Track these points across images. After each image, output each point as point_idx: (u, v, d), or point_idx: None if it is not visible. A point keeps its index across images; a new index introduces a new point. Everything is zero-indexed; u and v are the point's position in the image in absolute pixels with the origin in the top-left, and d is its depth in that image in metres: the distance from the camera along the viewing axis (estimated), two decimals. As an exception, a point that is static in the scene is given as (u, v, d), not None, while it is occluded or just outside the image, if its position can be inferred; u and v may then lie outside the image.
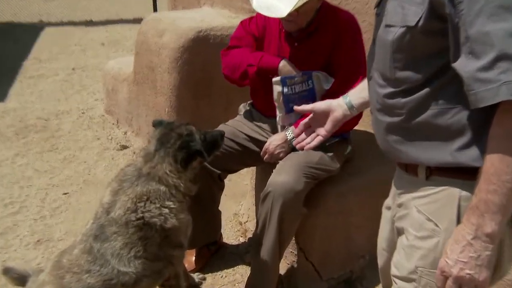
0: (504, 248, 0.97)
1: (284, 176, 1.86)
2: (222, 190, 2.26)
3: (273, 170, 1.94)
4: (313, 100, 1.96)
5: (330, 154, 2.00)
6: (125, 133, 3.91)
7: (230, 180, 3.19)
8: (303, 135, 1.46)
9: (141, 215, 1.60)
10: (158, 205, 1.62)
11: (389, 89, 1.04)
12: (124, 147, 3.73)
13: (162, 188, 1.63)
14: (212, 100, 3.30)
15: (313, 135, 1.45)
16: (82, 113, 4.31)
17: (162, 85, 3.23)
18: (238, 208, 2.88)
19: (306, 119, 1.47)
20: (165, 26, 3.21)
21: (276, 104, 1.99)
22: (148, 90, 3.44)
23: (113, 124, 4.08)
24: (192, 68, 3.14)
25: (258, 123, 2.16)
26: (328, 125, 1.41)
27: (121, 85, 3.83)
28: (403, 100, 1.02)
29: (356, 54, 1.92)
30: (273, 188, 1.85)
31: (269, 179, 1.90)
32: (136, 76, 3.56)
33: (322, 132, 1.43)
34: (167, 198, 1.64)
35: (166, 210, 1.63)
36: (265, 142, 2.04)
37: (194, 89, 3.22)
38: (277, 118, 2.02)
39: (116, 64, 3.96)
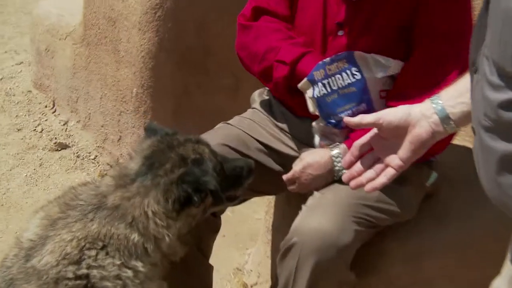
0: None
1: (320, 219, 1.85)
2: (217, 232, 2.30)
3: (303, 206, 1.96)
4: (367, 102, 1.94)
5: (401, 185, 1.97)
6: (65, 123, 3.93)
7: (233, 212, 3.19)
8: (359, 166, 1.48)
9: (86, 271, 1.60)
10: (118, 262, 1.63)
11: (509, 94, 1.02)
12: (63, 147, 3.75)
13: (134, 236, 1.65)
14: (210, 80, 3.30)
15: (379, 166, 1.45)
16: (-6, 85, 4.35)
17: (129, 50, 3.23)
18: (243, 261, 2.89)
19: (365, 138, 1.47)
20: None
21: (313, 114, 1.99)
22: (105, 56, 3.44)
23: (45, 107, 4.10)
24: (179, 27, 3.14)
25: (282, 125, 2.17)
26: (405, 149, 1.41)
27: (62, 45, 3.83)
28: None
29: (455, 23, 1.90)
30: (301, 238, 1.83)
31: (294, 222, 1.93)
32: (87, 32, 3.56)
33: (394, 161, 1.43)
34: (137, 254, 1.65)
35: (129, 273, 1.64)
36: (293, 157, 2.05)
37: (182, 61, 3.20)
38: (315, 125, 2.01)
39: (54, 9, 3.96)
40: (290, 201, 2.32)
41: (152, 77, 3.20)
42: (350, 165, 1.48)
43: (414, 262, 2.09)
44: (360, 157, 1.47)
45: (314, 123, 2.02)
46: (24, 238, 1.68)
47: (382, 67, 1.94)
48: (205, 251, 2.26)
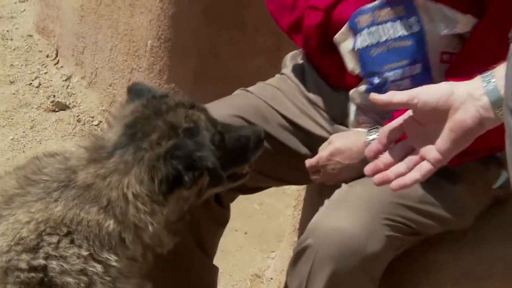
0: None
1: (343, 217, 1.88)
2: (224, 225, 2.34)
3: (326, 201, 1.98)
4: (423, 63, 1.94)
5: (455, 184, 1.98)
6: (68, 78, 4.07)
7: (261, 205, 3.26)
8: (387, 156, 1.48)
9: (43, 262, 1.63)
10: (85, 253, 1.66)
11: None
12: (61, 107, 3.89)
13: (109, 224, 1.69)
14: (245, 37, 3.37)
15: (412, 158, 1.45)
16: (-11, 25, 4.50)
17: (146, -9, 3.33)
18: (265, 266, 2.96)
19: (396, 122, 1.48)
20: None
21: (352, 74, 2.00)
22: (118, -2, 3.57)
23: (47, 56, 4.25)
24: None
25: (314, 97, 2.19)
26: (445, 139, 1.42)
27: (70, -20, 3.97)
28: None
29: None
30: (317, 239, 1.88)
31: (312, 219, 1.94)
32: (99, -34, 3.69)
33: (431, 153, 1.43)
34: (110, 245, 1.69)
35: (98, 268, 1.68)
36: (323, 138, 2.08)
37: (210, 10, 3.27)
38: (352, 94, 2.02)
39: None
40: (324, 193, 2.34)
41: (171, 28, 3.29)
42: (376, 155, 1.49)
43: (468, 284, 2.11)
44: (387, 146, 1.48)
45: (351, 91, 2.04)
46: None
47: (448, 22, 1.92)
48: (208, 248, 2.31)
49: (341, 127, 2.09)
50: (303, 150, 2.17)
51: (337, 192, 1.99)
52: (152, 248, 1.81)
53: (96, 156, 1.74)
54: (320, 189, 2.39)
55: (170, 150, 1.69)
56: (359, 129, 2.02)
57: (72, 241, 1.67)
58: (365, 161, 1.97)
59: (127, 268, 1.74)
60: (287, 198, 3.15)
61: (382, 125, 1.97)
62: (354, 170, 1.99)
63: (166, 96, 1.85)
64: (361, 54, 1.97)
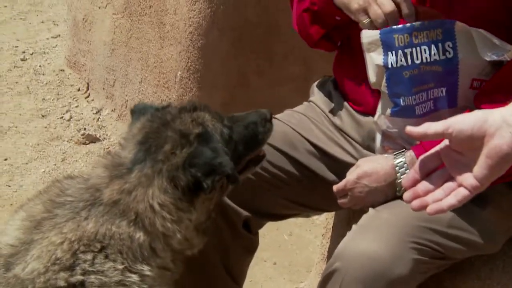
0: None
1: (371, 241, 1.89)
2: (253, 252, 2.36)
3: (353, 225, 1.99)
4: (450, 87, 1.96)
5: (485, 209, 2.00)
6: (98, 111, 4.16)
7: (290, 236, 3.27)
8: (426, 184, 1.50)
9: (81, 278, 1.68)
10: (120, 267, 1.71)
11: None
12: (92, 139, 3.97)
13: (139, 236, 1.74)
14: (273, 66, 3.42)
15: (449, 185, 1.47)
16: (23, 60, 4.60)
17: (175, 24, 3.40)
18: (294, 295, 2.99)
19: (433, 151, 1.50)
20: None
21: (374, 87, 2.02)
22: (149, 30, 3.64)
23: (78, 90, 4.35)
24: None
25: (341, 123, 2.22)
26: (481, 165, 1.43)
27: (101, 14, 4.07)
28: None
29: None
30: (345, 263, 1.88)
31: (340, 244, 1.95)
32: (130, 0, 3.77)
33: (468, 180, 1.45)
34: (143, 257, 1.74)
35: (135, 278, 1.72)
36: (350, 164, 2.09)
37: (239, 41, 3.34)
38: (376, 119, 2.04)
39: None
40: (352, 220, 2.35)
41: (200, 59, 3.35)
42: (413, 184, 1.50)
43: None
44: (427, 174, 1.49)
45: (375, 117, 2.06)
46: (2, 243, 1.74)
47: (496, 49, 1.93)
48: (236, 276, 2.33)
49: (368, 152, 2.12)
50: (330, 176, 2.19)
51: (364, 217, 2.00)
52: (181, 253, 1.84)
53: (117, 173, 1.78)
54: (349, 216, 2.40)
55: (188, 159, 1.74)
56: (386, 154, 2.05)
57: (106, 256, 1.70)
58: (392, 184, 2.00)
59: (159, 277, 1.77)
60: (316, 228, 3.17)
61: (408, 149, 2.00)
62: (381, 194, 2.01)
63: (168, 106, 1.89)
64: (392, 73, 1.97)
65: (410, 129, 1.49)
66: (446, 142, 1.48)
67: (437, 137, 1.47)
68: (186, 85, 3.43)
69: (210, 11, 3.29)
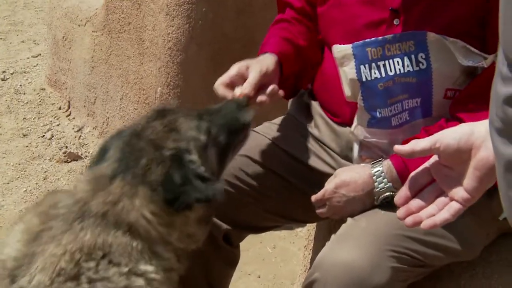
0: None
1: (349, 251, 1.91)
2: (234, 265, 2.37)
3: (332, 235, 2.02)
4: (424, 98, 2.00)
5: (461, 216, 2.01)
6: (80, 129, 4.18)
7: (274, 248, 3.30)
8: (418, 202, 1.52)
9: (87, 286, 1.69)
10: (125, 270, 1.73)
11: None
12: (74, 158, 3.99)
13: (137, 243, 1.76)
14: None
15: (442, 200, 1.50)
16: (3, 79, 4.62)
17: (154, 40, 3.44)
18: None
19: (423, 167, 1.53)
20: None
21: (349, 100, 2.05)
22: (128, 47, 3.68)
23: (59, 109, 4.38)
24: (216, 12, 3.32)
25: (319, 134, 2.25)
26: (470, 178, 1.46)
27: (80, 33, 4.11)
28: None
29: None
30: (324, 273, 1.91)
31: (319, 254, 1.97)
32: (109, 17, 3.81)
33: (459, 193, 1.47)
34: (145, 259, 1.76)
35: (141, 281, 1.74)
36: (329, 175, 2.11)
37: (218, 56, 3.37)
38: (353, 129, 2.08)
39: (76, -10, 4.26)
40: (333, 231, 2.37)
41: (180, 74, 3.38)
42: (405, 202, 1.52)
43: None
44: (418, 191, 1.51)
45: (352, 128, 2.09)
46: (5, 255, 1.76)
47: (472, 57, 1.96)
48: (216, 290, 2.35)
49: (346, 162, 2.14)
50: (309, 187, 2.19)
51: (342, 227, 2.02)
52: (186, 250, 1.86)
53: (99, 186, 1.79)
54: (330, 227, 2.42)
55: (162, 182, 1.75)
56: (363, 164, 2.07)
57: (110, 262, 1.72)
58: (370, 193, 2.03)
59: (166, 280, 1.79)
60: (300, 240, 3.18)
61: (385, 158, 2.03)
62: (360, 203, 2.03)
63: (145, 119, 1.89)
64: (367, 87, 2.01)
65: (397, 148, 1.53)
66: (435, 157, 1.50)
67: (425, 154, 1.50)
68: (167, 101, 3.45)
69: (188, 27, 3.32)
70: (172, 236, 1.79)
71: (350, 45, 2.02)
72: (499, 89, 1.14)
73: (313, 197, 2.08)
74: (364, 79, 2.01)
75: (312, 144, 2.26)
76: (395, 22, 2.04)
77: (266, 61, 2.12)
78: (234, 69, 2.09)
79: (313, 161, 2.23)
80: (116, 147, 1.85)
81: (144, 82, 3.55)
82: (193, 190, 1.75)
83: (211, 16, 3.34)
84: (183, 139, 1.82)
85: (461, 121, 1.90)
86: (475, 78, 2.00)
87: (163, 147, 1.79)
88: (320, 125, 2.25)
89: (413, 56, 1.99)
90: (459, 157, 1.44)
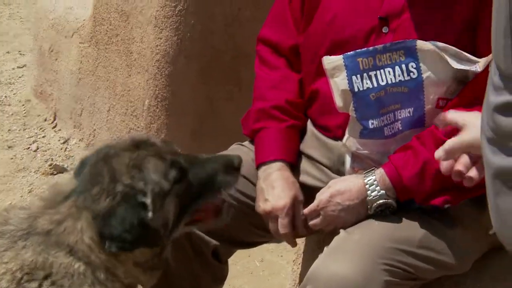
0: None
1: (342, 263, 1.92)
2: (221, 281, 2.36)
3: (325, 248, 2.03)
4: (416, 107, 2.01)
5: (452, 228, 2.05)
6: (66, 141, 4.17)
7: (262, 262, 3.30)
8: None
9: None
10: None
11: (506, 96, 1.12)
12: (60, 170, 3.97)
13: (79, 265, 1.74)
14: (242, 92, 3.44)
15: None
16: (-13, 91, 4.65)
17: (142, 52, 3.45)
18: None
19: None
20: None
21: (341, 111, 2.07)
22: (116, 59, 3.69)
23: (45, 120, 4.37)
24: (205, 25, 3.34)
25: (308, 149, 2.25)
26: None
27: (67, 44, 4.12)
28: None
29: None
30: (316, 286, 1.92)
31: (312, 266, 1.99)
32: (96, 28, 3.81)
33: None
34: (88, 284, 1.73)
35: None
36: (318, 188, 2.12)
37: (207, 67, 3.39)
38: (345, 141, 2.09)
39: (61, 0, 4.25)
40: (323, 245, 2.35)
41: (168, 87, 3.40)
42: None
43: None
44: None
45: (344, 140, 2.10)
46: None
47: (465, 61, 1.97)
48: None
49: (338, 176, 2.14)
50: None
51: (335, 239, 2.02)
52: (133, 285, 1.83)
53: (52, 203, 1.79)
54: (319, 240, 2.42)
55: (102, 214, 1.73)
56: (357, 175, 2.08)
57: (53, 283, 1.71)
58: (364, 202, 2.03)
59: None
60: (288, 254, 3.17)
61: (378, 168, 2.05)
62: (354, 212, 2.04)
63: (116, 145, 1.87)
64: (359, 97, 2.02)
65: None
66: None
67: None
68: (154, 113, 3.45)
69: (177, 39, 3.34)
70: (117, 270, 1.77)
71: (341, 56, 2.03)
72: (490, 98, 1.17)
73: (306, 210, 2.09)
74: (356, 90, 2.02)
75: (302, 159, 2.27)
76: (384, 30, 2.07)
77: (295, 187, 2.16)
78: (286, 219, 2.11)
79: (303, 177, 2.24)
80: (89, 165, 1.84)
81: (132, 94, 3.56)
82: (129, 234, 1.72)
83: (200, 28, 3.35)
84: (143, 180, 1.78)
85: None
86: (466, 85, 2.01)
87: (119, 181, 1.76)
88: (311, 140, 2.26)
89: (403, 66, 2.00)
90: None
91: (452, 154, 1.64)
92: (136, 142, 1.85)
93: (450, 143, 1.64)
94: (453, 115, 1.66)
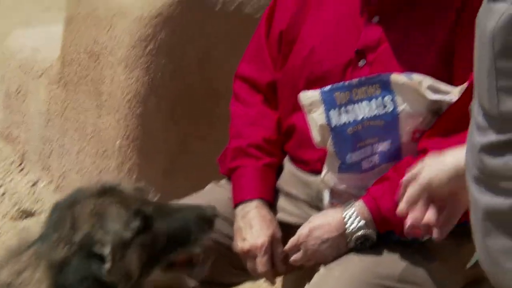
0: None
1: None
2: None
3: (306, 285, 2.06)
4: (393, 140, 2.04)
5: (431, 262, 2.05)
6: (34, 183, 4.11)
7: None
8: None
9: None
10: None
11: (491, 137, 1.13)
12: (28, 214, 3.92)
13: None
14: (216, 130, 3.42)
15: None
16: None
17: (113, 92, 3.43)
18: None
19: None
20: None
21: (319, 147, 2.08)
22: (85, 100, 3.65)
23: (11, 163, 4.29)
24: (176, 64, 3.34)
25: (286, 186, 2.26)
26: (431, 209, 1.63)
27: (35, 85, 4.07)
28: None
29: None
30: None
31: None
32: (65, 69, 3.78)
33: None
34: None
35: None
36: (297, 226, 2.13)
37: (179, 107, 3.39)
38: (323, 176, 2.10)
39: (29, 41, 4.22)
40: (302, 284, 2.38)
41: (139, 126, 3.38)
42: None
43: None
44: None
45: (322, 175, 2.11)
46: None
47: (442, 92, 2.01)
48: None
49: (317, 212, 2.15)
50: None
51: (316, 276, 2.04)
52: None
53: (16, 252, 1.75)
54: (297, 280, 2.41)
55: (58, 263, 1.70)
56: (336, 210, 2.09)
57: None
58: (343, 235, 2.04)
59: None
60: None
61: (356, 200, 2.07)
62: (334, 245, 2.04)
63: (83, 190, 1.84)
64: (336, 132, 2.04)
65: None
66: None
67: None
68: (126, 153, 3.43)
69: (148, 78, 3.33)
70: None
71: (318, 91, 2.05)
72: (475, 138, 1.18)
73: (287, 244, 2.10)
74: (333, 125, 2.04)
75: (279, 199, 2.27)
76: (361, 63, 2.10)
77: (273, 225, 2.17)
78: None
79: (280, 214, 2.25)
80: (56, 211, 1.82)
81: (103, 135, 3.53)
82: (82, 287, 1.69)
83: (171, 67, 3.35)
84: (103, 229, 1.74)
85: (425, 151, 1.95)
86: (441, 116, 2.04)
87: (78, 229, 1.73)
88: (287, 177, 2.27)
89: (379, 99, 2.03)
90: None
91: (414, 202, 1.63)
92: (104, 188, 1.80)
93: (408, 192, 1.64)
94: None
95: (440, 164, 1.59)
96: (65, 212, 1.76)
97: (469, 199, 1.25)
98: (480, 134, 1.15)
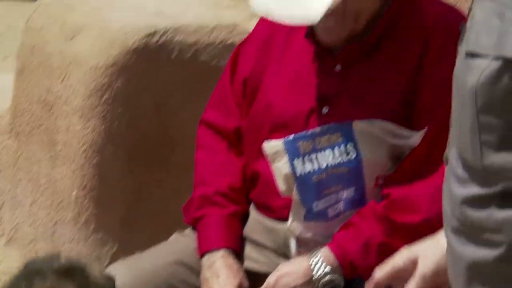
0: None
1: None
2: None
3: None
4: (358, 187, 2.08)
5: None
6: (-14, 238, 4.02)
7: None
8: None
9: None
10: None
11: (473, 189, 1.14)
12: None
13: None
14: (173, 177, 3.44)
15: None
16: None
17: (68, 142, 3.40)
18: None
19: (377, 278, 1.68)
20: (81, 19, 3.43)
21: (284, 195, 2.10)
22: (38, 150, 3.60)
23: (-39, 216, 4.21)
24: (133, 113, 3.34)
25: (253, 235, 2.27)
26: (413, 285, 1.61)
27: (-14, 136, 4.02)
28: (501, 214, 1.10)
29: None
30: None
31: None
32: (16, 120, 3.73)
33: None
34: None
35: None
36: (265, 275, 2.15)
37: (135, 155, 3.37)
38: (289, 225, 2.10)
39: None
40: None
41: (96, 176, 3.34)
42: None
43: None
44: None
45: (289, 224, 2.12)
46: None
47: (399, 137, 2.07)
48: None
49: (285, 260, 2.16)
50: None
51: None
52: None
53: None
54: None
55: None
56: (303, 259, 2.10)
57: None
58: (310, 282, 2.05)
59: None
60: None
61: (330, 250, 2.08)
62: None
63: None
64: (301, 180, 2.07)
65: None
66: None
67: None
68: (83, 204, 3.39)
69: (104, 128, 3.31)
70: None
71: (281, 141, 2.08)
72: (455, 190, 1.19)
73: None
74: (298, 174, 2.06)
75: (245, 245, 2.27)
76: (324, 110, 2.12)
77: (240, 275, 2.18)
78: None
79: (247, 263, 2.25)
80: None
81: (58, 186, 3.48)
82: None
83: (128, 116, 3.34)
84: None
85: (388, 196, 1.97)
86: (403, 160, 2.08)
87: None
88: (254, 225, 2.28)
89: (342, 147, 2.07)
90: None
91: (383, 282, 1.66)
92: (68, 267, 1.69)
93: (376, 275, 1.67)
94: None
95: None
96: (20, 282, 1.70)
97: (446, 251, 1.26)
98: (460, 186, 1.17)
